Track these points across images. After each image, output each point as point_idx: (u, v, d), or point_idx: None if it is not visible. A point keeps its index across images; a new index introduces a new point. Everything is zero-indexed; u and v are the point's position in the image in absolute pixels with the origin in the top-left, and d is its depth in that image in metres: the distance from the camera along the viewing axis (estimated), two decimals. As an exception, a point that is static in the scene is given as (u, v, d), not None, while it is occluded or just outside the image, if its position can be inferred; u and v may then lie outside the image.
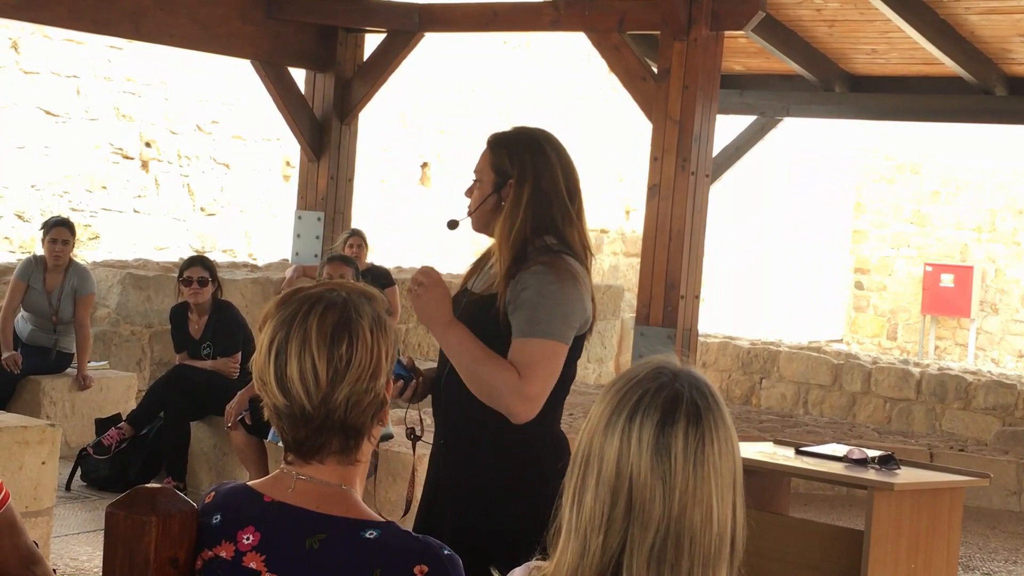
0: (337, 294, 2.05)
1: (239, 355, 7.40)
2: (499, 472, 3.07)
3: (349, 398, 2.00)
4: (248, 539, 2.03)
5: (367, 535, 2.00)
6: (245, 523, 2.04)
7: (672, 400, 1.76)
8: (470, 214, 3.21)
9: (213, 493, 2.12)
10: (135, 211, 11.87)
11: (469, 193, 3.23)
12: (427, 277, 3.05)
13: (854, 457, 4.81)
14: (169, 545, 2.04)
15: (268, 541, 2.02)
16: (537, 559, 1.91)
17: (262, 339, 2.05)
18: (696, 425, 1.75)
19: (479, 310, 3.10)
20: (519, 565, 1.93)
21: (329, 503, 2.03)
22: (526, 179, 3.12)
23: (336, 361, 1.99)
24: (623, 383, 1.81)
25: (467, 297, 3.17)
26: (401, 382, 3.14)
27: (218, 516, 2.07)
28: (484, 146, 3.26)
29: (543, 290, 3.02)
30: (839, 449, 4.99)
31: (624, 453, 1.74)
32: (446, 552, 2.00)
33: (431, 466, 3.27)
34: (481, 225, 3.21)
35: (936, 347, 17.86)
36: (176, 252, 11.61)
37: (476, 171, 3.22)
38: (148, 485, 2.13)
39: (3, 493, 2.52)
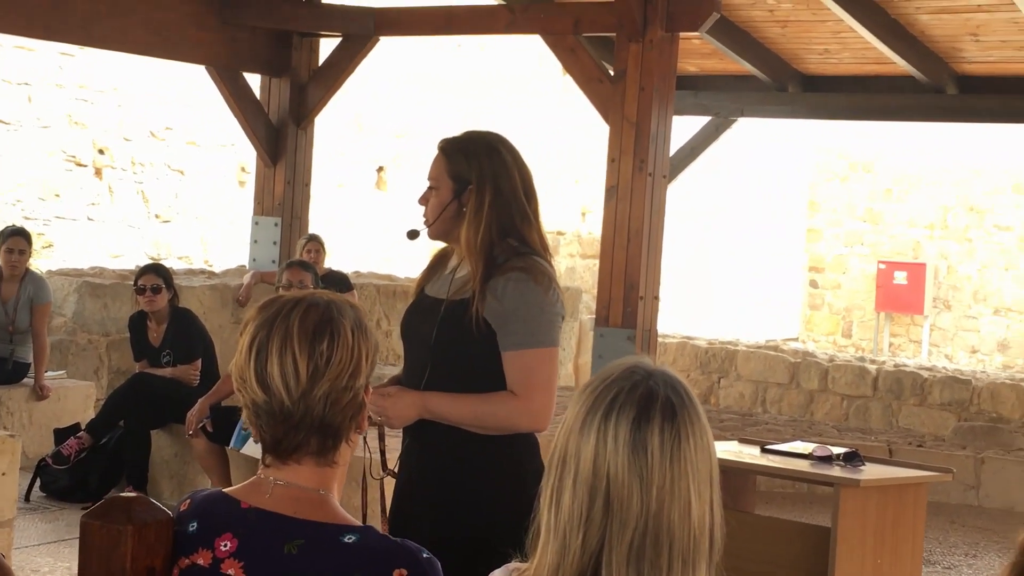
0: (319, 297, 2.09)
1: (199, 362, 7.36)
2: (478, 475, 3.08)
3: (328, 395, 2.02)
4: (226, 546, 2.03)
5: (346, 539, 2.00)
6: (222, 530, 2.04)
7: (647, 398, 1.77)
8: (430, 223, 3.18)
9: (189, 501, 2.12)
10: (89, 219, 11.78)
11: (424, 201, 3.20)
12: (384, 391, 3.07)
13: (819, 454, 4.86)
14: (145, 554, 2.04)
15: (246, 547, 2.01)
16: (516, 561, 1.91)
17: (242, 340, 2.06)
18: (671, 422, 1.76)
19: (452, 316, 3.09)
20: (499, 567, 1.94)
21: (307, 508, 2.04)
22: (486, 183, 3.12)
23: (316, 357, 2.01)
24: (597, 383, 1.83)
25: (443, 304, 3.13)
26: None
27: (195, 524, 2.06)
28: (436, 152, 3.23)
29: (527, 298, 3.04)
30: (804, 447, 5.04)
31: (600, 452, 1.75)
32: (425, 555, 2.01)
33: (402, 468, 3.26)
34: (441, 233, 3.19)
35: (890, 344, 18.02)
36: (131, 260, 11.53)
37: (431, 178, 3.19)
38: (123, 494, 2.12)
39: None
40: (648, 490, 1.73)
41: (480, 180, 3.12)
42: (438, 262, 3.29)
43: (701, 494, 1.76)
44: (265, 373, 2.02)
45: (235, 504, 2.06)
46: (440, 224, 3.16)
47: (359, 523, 2.06)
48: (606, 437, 1.75)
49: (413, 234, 3.29)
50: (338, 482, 2.13)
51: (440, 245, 3.32)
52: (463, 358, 3.08)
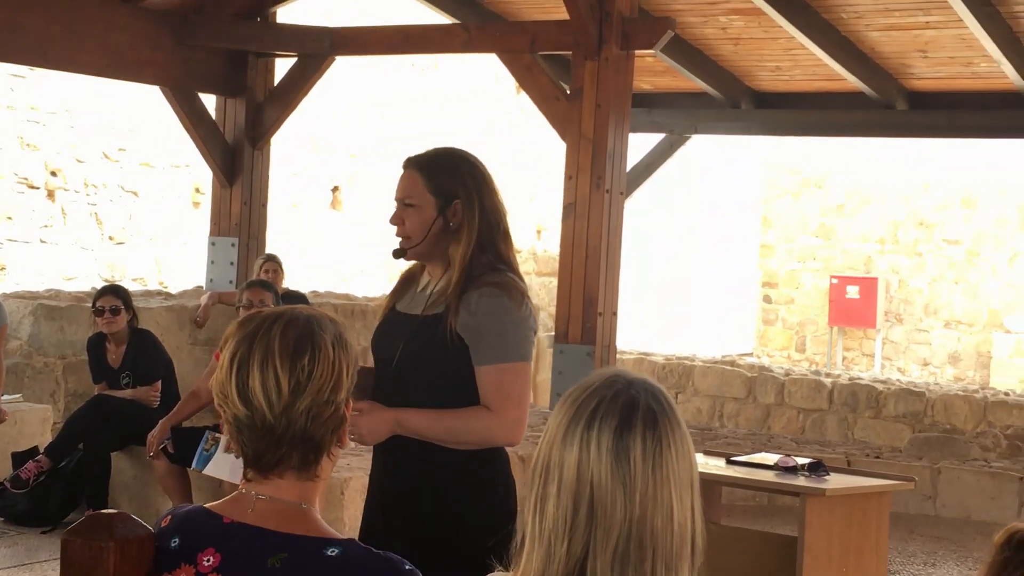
0: (299, 312, 2.09)
1: (159, 384, 7.32)
2: (449, 488, 3.09)
3: (310, 410, 2.02)
4: (208, 561, 2.03)
5: (329, 552, 2.00)
6: (205, 545, 2.04)
7: (629, 406, 1.79)
8: (417, 242, 3.14)
9: (170, 517, 2.12)
10: (42, 241, 11.68)
11: (397, 221, 3.16)
12: (356, 406, 2.99)
13: (784, 465, 4.92)
14: (127, 570, 2.03)
15: (229, 562, 2.01)
16: (499, 570, 1.93)
17: (223, 356, 2.06)
18: (653, 430, 1.78)
19: (426, 331, 3.10)
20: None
21: (289, 522, 2.04)
22: (472, 198, 3.12)
23: (298, 372, 2.01)
24: (579, 393, 1.85)
25: (416, 319, 3.14)
26: None
27: (176, 539, 2.06)
28: (402, 170, 3.19)
29: (500, 314, 3.05)
30: (769, 458, 5.10)
31: (584, 460, 1.77)
32: (407, 567, 2.01)
33: (372, 483, 3.27)
34: (426, 250, 3.15)
35: (844, 358, 18.18)
36: (85, 282, 11.44)
37: (407, 197, 3.15)
38: (105, 511, 2.11)
39: None
40: (631, 497, 1.75)
41: (467, 195, 3.12)
42: (407, 280, 3.29)
43: (683, 500, 1.79)
44: (247, 388, 2.02)
45: (217, 519, 2.06)
46: (428, 241, 3.13)
47: (342, 536, 2.06)
48: (589, 445, 1.77)
49: (399, 253, 3.22)
50: (320, 495, 2.13)
51: (402, 263, 3.31)
52: (436, 372, 3.09)
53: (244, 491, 2.08)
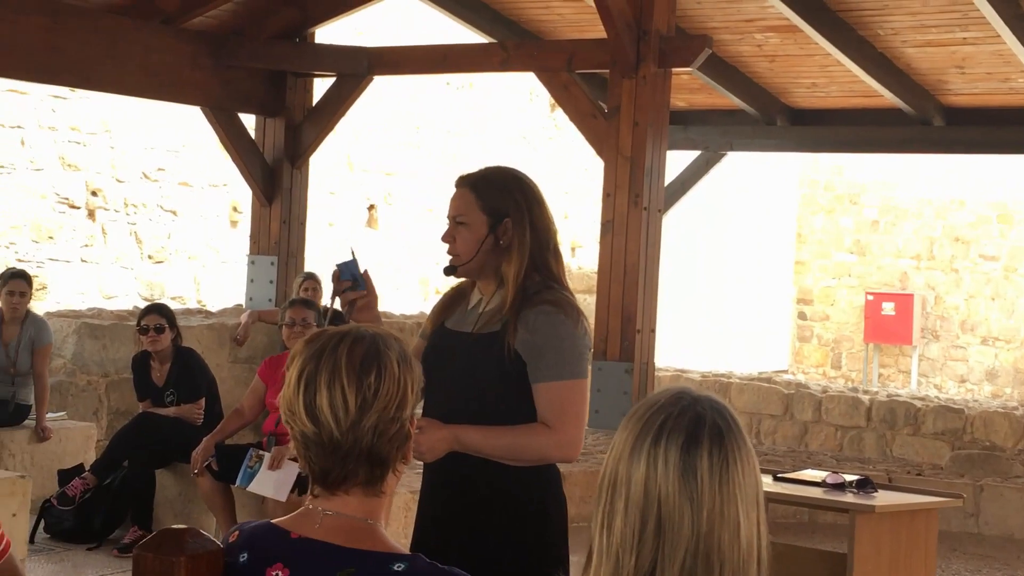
0: (365, 330, 2.11)
1: (203, 401, 7.37)
2: (502, 505, 3.10)
3: (376, 426, 2.05)
4: (277, 575, 2.05)
5: (396, 568, 2.02)
6: (273, 560, 2.06)
7: (695, 423, 1.81)
8: (468, 259, 3.17)
9: (237, 532, 2.14)
10: (82, 260, 11.79)
11: (448, 238, 3.19)
12: (420, 424, 3.02)
13: (832, 482, 4.91)
14: (197, 585, 2.06)
15: (298, 577, 2.04)
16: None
17: (290, 374, 2.09)
18: (720, 446, 1.80)
19: (482, 348, 3.13)
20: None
21: (356, 537, 2.06)
22: (523, 216, 3.15)
23: (365, 390, 2.04)
24: (644, 410, 1.86)
25: (470, 337, 3.16)
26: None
27: (245, 555, 2.08)
28: (455, 189, 3.23)
29: (558, 332, 3.08)
30: (816, 474, 5.09)
31: (651, 476, 1.79)
32: (473, 582, 2.03)
33: (421, 509, 3.27)
34: (477, 267, 3.18)
35: (880, 375, 18.08)
36: (126, 301, 11.53)
37: (458, 214, 3.18)
38: (175, 526, 2.14)
39: (4, 542, 2.52)
40: (699, 512, 1.77)
41: (518, 213, 3.15)
42: (456, 297, 3.30)
43: (749, 515, 1.80)
44: (314, 406, 2.05)
45: (285, 535, 2.08)
46: (478, 258, 3.16)
47: (407, 552, 2.08)
48: (656, 462, 1.79)
49: (451, 270, 3.24)
50: (385, 510, 2.15)
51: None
52: (492, 389, 3.11)
53: (311, 507, 2.10)
